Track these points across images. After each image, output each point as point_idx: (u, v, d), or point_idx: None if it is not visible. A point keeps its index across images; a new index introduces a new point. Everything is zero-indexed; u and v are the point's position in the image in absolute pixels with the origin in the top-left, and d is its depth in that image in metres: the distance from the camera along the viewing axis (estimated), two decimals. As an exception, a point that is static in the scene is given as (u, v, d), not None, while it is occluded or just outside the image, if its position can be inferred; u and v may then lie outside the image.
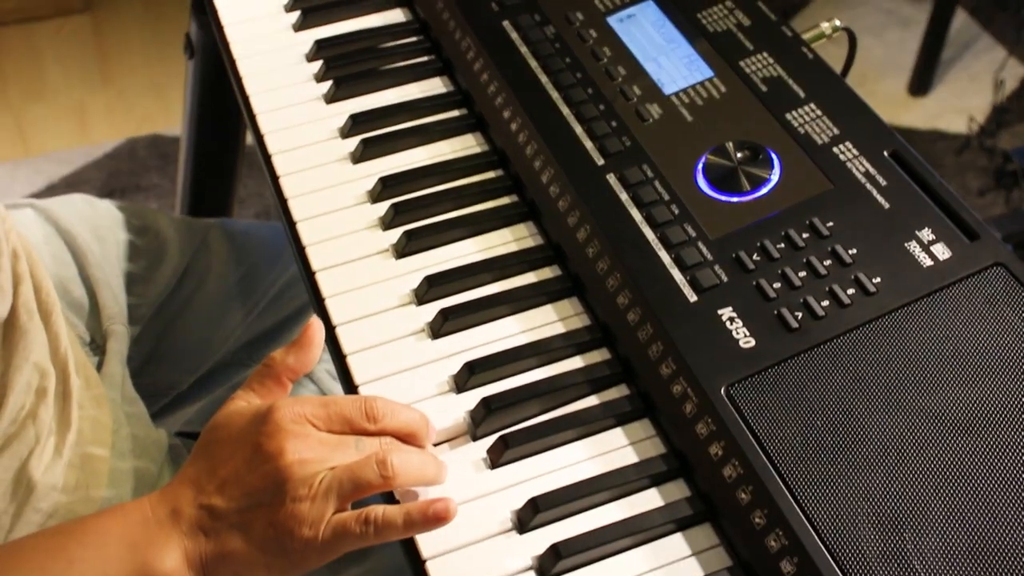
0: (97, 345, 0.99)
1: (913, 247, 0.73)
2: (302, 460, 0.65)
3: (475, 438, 0.72)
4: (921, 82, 2.29)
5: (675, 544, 0.67)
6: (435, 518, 0.64)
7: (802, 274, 0.73)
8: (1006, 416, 0.65)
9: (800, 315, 0.71)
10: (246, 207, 2.10)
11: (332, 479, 0.66)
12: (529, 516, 0.67)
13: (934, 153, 2.16)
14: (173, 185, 2.10)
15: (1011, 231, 1.89)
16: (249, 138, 1.01)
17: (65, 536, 0.68)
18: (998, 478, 0.63)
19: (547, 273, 0.81)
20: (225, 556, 0.66)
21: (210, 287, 1.12)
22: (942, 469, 0.64)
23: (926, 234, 0.74)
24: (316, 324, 0.73)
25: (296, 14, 1.04)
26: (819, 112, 0.82)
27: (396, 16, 1.04)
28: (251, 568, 0.66)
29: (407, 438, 0.70)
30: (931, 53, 2.26)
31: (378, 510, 0.65)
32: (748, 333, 0.70)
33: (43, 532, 0.70)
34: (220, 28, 1.04)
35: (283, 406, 0.67)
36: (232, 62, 1.00)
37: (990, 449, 0.64)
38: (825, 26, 0.95)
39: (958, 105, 2.27)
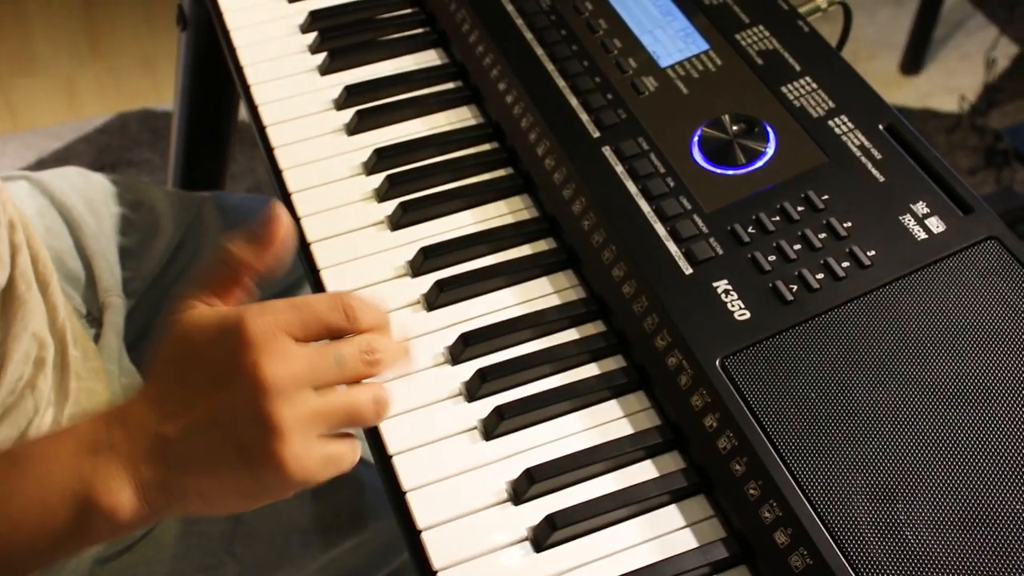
0: (94, 317, 0.99)
1: (908, 220, 0.73)
2: (278, 375, 0.58)
3: (471, 403, 0.73)
4: (913, 61, 2.30)
5: (670, 515, 0.68)
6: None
7: (797, 247, 0.73)
8: (998, 388, 0.66)
9: (795, 288, 0.71)
10: (238, 183, 2.09)
11: (319, 401, 0.60)
12: (524, 487, 0.68)
13: (925, 132, 2.16)
14: (164, 160, 2.10)
15: (1001, 210, 1.89)
16: (242, 113, 1.00)
17: (8, 462, 0.61)
18: (990, 449, 0.63)
19: (542, 245, 0.81)
20: (192, 483, 0.60)
21: (204, 260, 1.12)
22: (935, 440, 0.64)
23: (920, 207, 0.74)
24: (281, 215, 0.63)
25: (290, -15, 1.03)
26: (814, 85, 0.82)
27: (391, -12, 1.03)
28: (221, 495, 0.61)
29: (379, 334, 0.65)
30: (923, 32, 2.27)
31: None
32: (743, 306, 0.71)
33: None
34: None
35: (252, 315, 0.59)
36: (226, 33, 1.00)
37: (982, 420, 0.65)
38: (821, 0, 0.95)
39: (950, 84, 2.27)
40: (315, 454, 0.60)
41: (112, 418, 0.61)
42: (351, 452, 0.62)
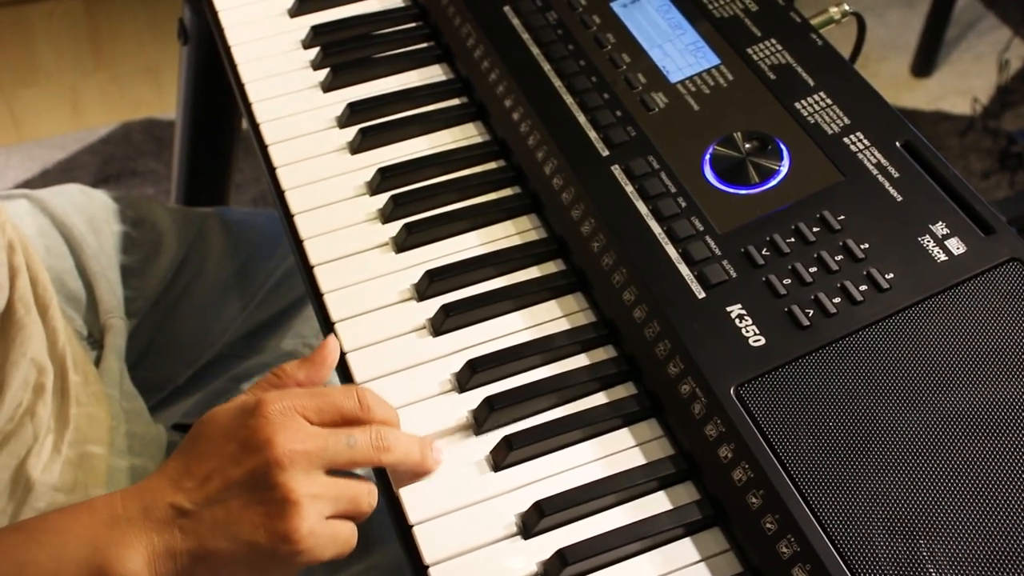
0: (95, 339, 0.98)
1: (927, 241, 0.71)
2: (293, 452, 0.62)
3: (478, 436, 0.71)
4: (924, 63, 2.27)
5: (684, 549, 0.66)
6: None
7: (813, 269, 0.71)
8: (1023, 415, 0.64)
9: (811, 312, 0.69)
10: (242, 192, 2.07)
11: (329, 482, 0.63)
12: (534, 520, 0.66)
13: (938, 135, 2.14)
14: (168, 170, 2.08)
15: (1016, 214, 1.87)
16: (245, 124, 0.99)
17: (23, 534, 0.64)
18: (1017, 481, 0.61)
19: (551, 267, 0.79)
20: (204, 554, 0.62)
21: (207, 279, 1.10)
22: (958, 472, 0.62)
23: (940, 228, 0.72)
24: (332, 343, 0.70)
25: (292, 0, 1.01)
26: (829, 101, 0.80)
27: (394, 1, 1.02)
28: (233, 567, 0.63)
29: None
30: (935, 33, 2.24)
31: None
32: (758, 331, 0.69)
33: (5, 528, 0.66)
34: (214, 13, 1.02)
35: (271, 399, 0.64)
36: (227, 49, 0.98)
37: (1008, 451, 0.62)
38: (834, 11, 0.93)
39: (962, 86, 2.24)
40: (325, 531, 0.63)
41: (129, 494, 0.64)
42: (353, 535, 0.65)
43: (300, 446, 0.62)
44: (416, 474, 0.68)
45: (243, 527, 0.61)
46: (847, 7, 0.93)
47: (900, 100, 2.21)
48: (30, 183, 2.08)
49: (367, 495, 0.66)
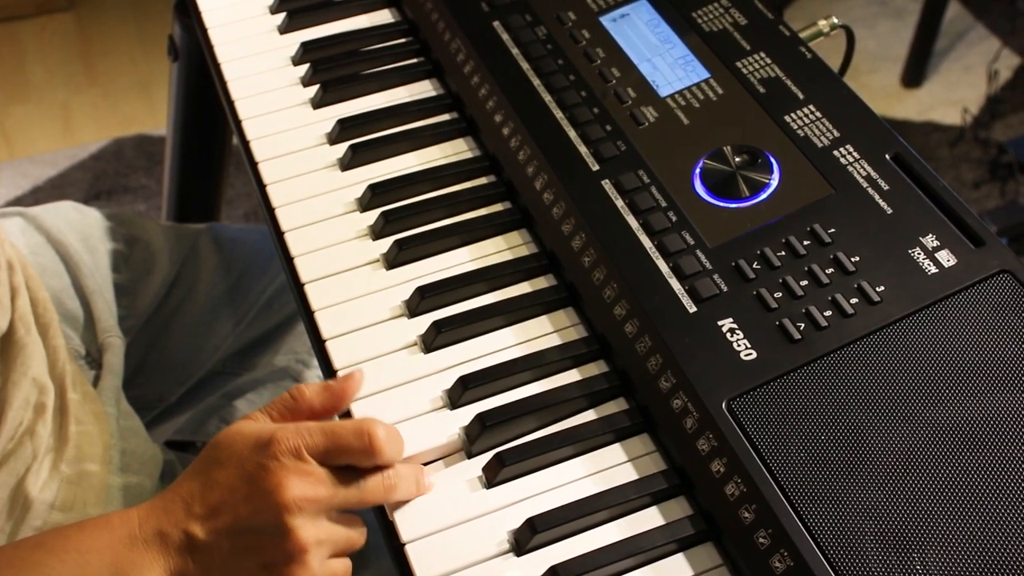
0: (92, 358, 0.97)
1: (917, 254, 0.71)
2: (303, 499, 0.63)
3: (470, 456, 0.71)
4: (914, 74, 2.28)
5: (677, 565, 0.65)
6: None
7: (804, 283, 0.71)
8: (1015, 427, 0.63)
9: (802, 326, 0.69)
10: (234, 207, 2.07)
11: (333, 528, 0.65)
12: (527, 537, 0.65)
13: (928, 145, 2.14)
14: (160, 186, 2.08)
15: (1008, 223, 1.87)
16: (236, 140, 0.99)
17: (45, 551, 0.65)
18: (1009, 493, 0.61)
19: (542, 283, 0.79)
20: None
21: (200, 296, 1.10)
22: (951, 485, 0.62)
23: (930, 240, 0.72)
24: (358, 378, 0.70)
25: (282, 16, 1.01)
26: (819, 114, 0.80)
27: (384, 17, 1.02)
28: None
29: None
30: (924, 44, 2.25)
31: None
32: (749, 345, 0.69)
33: (24, 542, 0.67)
34: (204, 31, 1.02)
35: (284, 437, 0.64)
36: (217, 66, 0.98)
37: (1001, 464, 0.62)
38: (823, 24, 0.93)
39: (952, 96, 2.25)
40: (326, 572, 0.65)
41: (145, 515, 0.65)
42: (348, 571, 0.67)
43: (310, 492, 0.63)
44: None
45: (250, 567, 0.63)
46: (836, 20, 0.93)
47: (891, 111, 2.21)
48: (21, 200, 2.07)
49: (360, 535, 0.68)
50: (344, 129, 0.90)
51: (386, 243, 0.82)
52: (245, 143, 0.91)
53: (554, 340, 0.76)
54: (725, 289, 0.71)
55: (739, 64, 0.84)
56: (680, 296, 0.72)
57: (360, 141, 0.89)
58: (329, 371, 0.76)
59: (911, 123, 2.19)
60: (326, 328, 0.77)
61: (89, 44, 2.42)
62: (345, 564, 0.67)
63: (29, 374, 0.81)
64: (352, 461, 0.65)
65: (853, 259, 0.71)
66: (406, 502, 0.68)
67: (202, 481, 0.66)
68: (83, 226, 1.05)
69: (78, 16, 2.48)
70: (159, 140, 2.17)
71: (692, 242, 0.74)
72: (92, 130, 2.24)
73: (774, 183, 0.77)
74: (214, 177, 1.41)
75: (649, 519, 0.67)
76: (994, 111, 2.21)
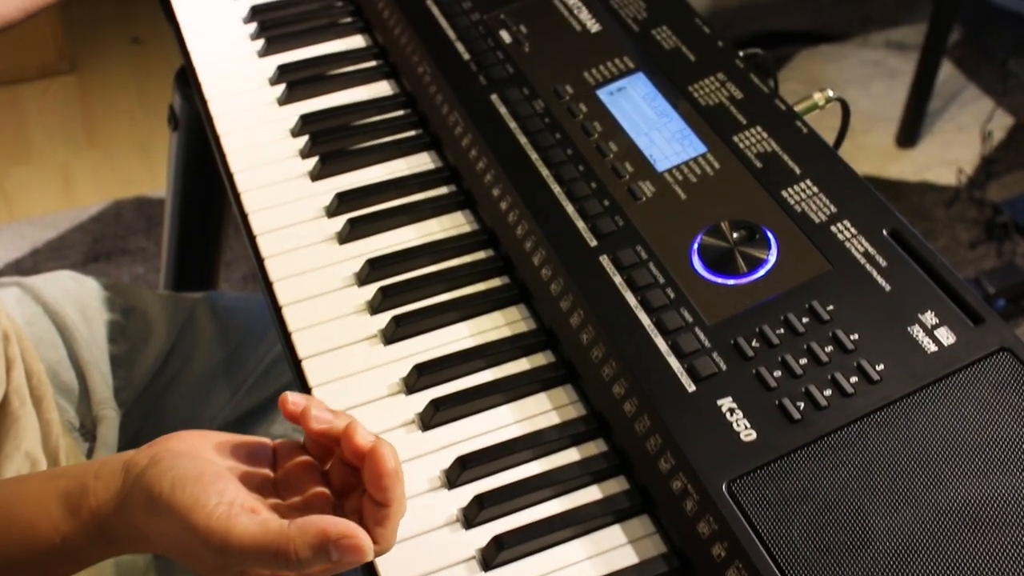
0: (87, 430, 0.97)
1: (916, 332, 0.71)
2: None
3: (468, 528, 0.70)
4: (909, 134, 2.29)
5: (678, 651, 0.64)
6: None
7: (803, 361, 0.71)
8: (1017, 509, 0.63)
9: (802, 405, 0.68)
10: (232, 269, 2.07)
11: None
12: (526, 622, 0.65)
13: (924, 205, 2.15)
14: (159, 248, 2.08)
15: (1005, 285, 1.87)
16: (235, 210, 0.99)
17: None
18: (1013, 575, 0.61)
19: (540, 359, 0.79)
20: None
21: (196, 366, 1.09)
22: (955, 568, 0.61)
23: (929, 317, 0.72)
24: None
25: (281, 87, 1.02)
26: (815, 189, 0.80)
27: (383, 89, 1.02)
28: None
29: None
30: (918, 104, 2.27)
31: None
32: (749, 425, 0.68)
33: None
34: (204, 102, 1.02)
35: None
36: (216, 137, 0.99)
37: (1004, 545, 0.62)
38: (818, 97, 0.94)
39: (946, 156, 2.27)
40: None
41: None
42: None
43: None
44: None
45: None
46: (831, 93, 0.94)
47: (886, 171, 2.22)
48: (20, 262, 2.08)
49: None
50: (343, 202, 0.90)
51: (384, 318, 0.82)
52: (243, 215, 0.91)
53: (553, 418, 0.75)
54: (724, 368, 0.71)
55: (736, 138, 0.85)
56: (679, 375, 0.71)
57: (358, 215, 0.89)
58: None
59: (906, 183, 2.20)
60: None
61: (90, 106, 2.44)
62: None
63: (22, 448, 0.80)
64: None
65: (852, 337, 0.71)
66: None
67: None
68: (80, 296, 1.05)
69: (80, 79, 2.50)
70: (158, 202, 2.18)
71: (691, 319, 0.74)
72: (92, 192, 2.25)
73: (772, 259, 0.77)
74: (213, 244, 1.42)
75: (650, 603, 0.66)
76: (989, 171, 2.22)
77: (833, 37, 2.58)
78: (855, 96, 2.41)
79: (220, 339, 1.11)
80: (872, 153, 2.27)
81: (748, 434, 0.68)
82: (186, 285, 1.41)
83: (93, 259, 2.09)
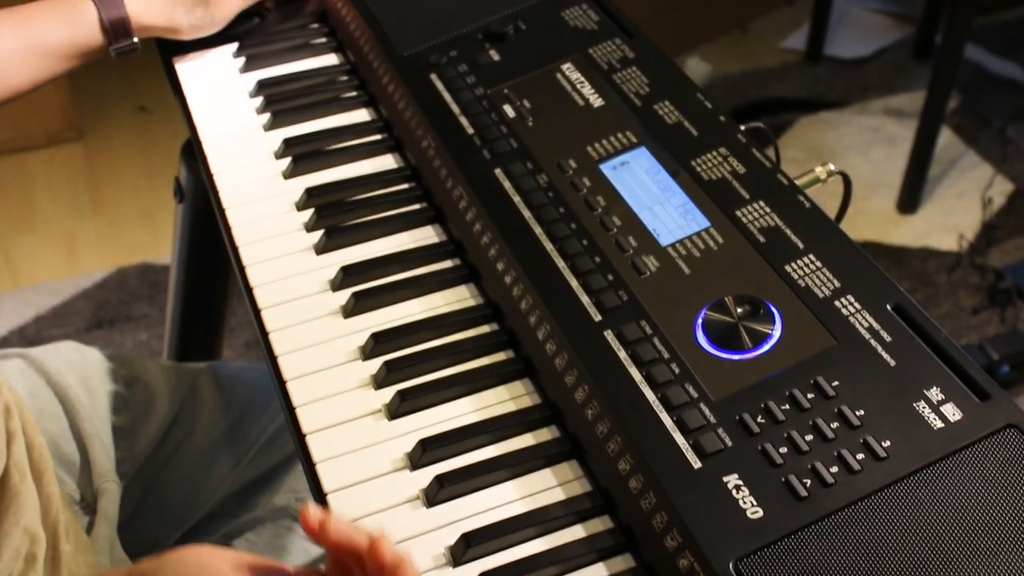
0: (87, 503, 0.96)
1: (922, 408, 0.71)
2: None
3: (473, 616, 0.69)
4: (910, 200, 2.31)
5: None
6: None
7: (809, 437, 0.70)
8: (1029, 590, 0.62)
9: (809, 482, 0.68)
10: (236, 336, 2.07)
11: None
12: None
13: (926, 271, 2.16)
14: (163, 315, 2.08)
15: (1009, 351, 1.87)
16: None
17: None
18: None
19: (545, 435, 0.79)
20: None
21: (198, 437, 1.09)
22: (966, 652, 0.60)
23: (935, 393, 0.71)
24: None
25: (287, 161, 1.03)
26: (819, 264, 0.80)
27: (387, 162, 1.03)
28: None
29: None
30: (918, 171, 2.28)
31: None
32: (755, 502, 0.68)
33: None
34: (210, 175, 1.03)
35: None
36: (222, 211, 0.99)
37: (1015, 628, 0.61)
38: (820, 171, 0.95)
39: (947, 223, 2.28)
40: None
41: None
42: None
43: None
44: None
45: None
46: (832, 167, 0.95)
47: (887, 237, 2.23)
48: (23, 329, 2.08)
49: None
50: (347, 276, 0.90)
51: (388, 392, 0.82)
52: (249, 289, 0.92)
53: (558, 495, 0.75)
54: (730, 444, 0.71)
55: (739, 213, 0.85)
56: (685, 451, 0.71)
57: (363, 288, 0.89)
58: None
59: (908, 249, 2.21)
60: (328, 481, 0.77)
61: (96, 174, 2.46)
62: None
63: (21, 523, 0.80)
64: None
65: (858, 413, 0.71)
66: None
67: None
68: (83, 367, 1.05)
69: (86, 147, 2.52)
70: (162, 268, 2.19)
71: (696, 395, 0.74)
72: (96, 259, 2.26)
73: (776, 334, 0.77)
74: (217, 314, 1.42)
75: None
76: (990, 237, 2.23)
77: (832, 104, 2.60)
78: (855, 162, 2.43)
79: (223, 409, 1.11)
80: (873, 219, 2.28)
81: (755, 511, 0.67)
82: (190, 354, 1.41)
83: (97, 326, 2.09)
